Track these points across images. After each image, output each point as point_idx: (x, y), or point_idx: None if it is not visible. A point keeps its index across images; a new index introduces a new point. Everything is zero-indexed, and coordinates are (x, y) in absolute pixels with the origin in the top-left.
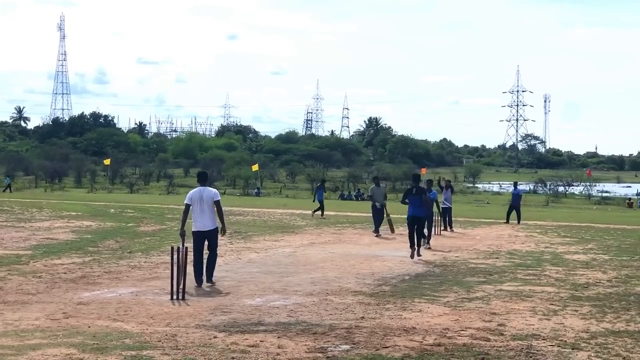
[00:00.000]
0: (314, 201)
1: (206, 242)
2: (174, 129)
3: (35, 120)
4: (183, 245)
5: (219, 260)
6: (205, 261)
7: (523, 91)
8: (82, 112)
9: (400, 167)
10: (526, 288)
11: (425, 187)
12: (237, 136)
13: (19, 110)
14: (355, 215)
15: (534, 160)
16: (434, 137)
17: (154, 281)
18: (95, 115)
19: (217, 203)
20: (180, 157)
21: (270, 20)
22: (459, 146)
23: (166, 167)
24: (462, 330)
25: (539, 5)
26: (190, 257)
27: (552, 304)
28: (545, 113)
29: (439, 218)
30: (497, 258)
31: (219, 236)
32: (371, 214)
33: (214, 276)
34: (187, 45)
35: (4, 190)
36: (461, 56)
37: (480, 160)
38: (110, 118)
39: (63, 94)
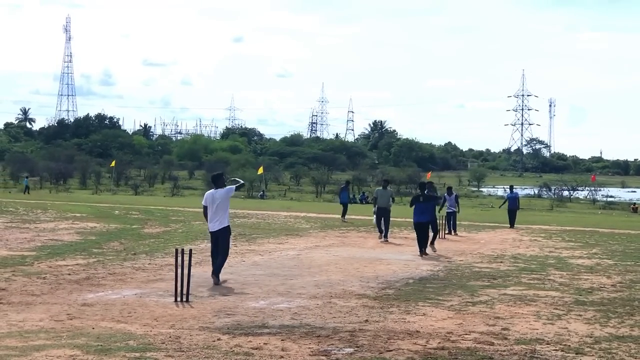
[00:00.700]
0: (341, 203)
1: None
2: (179, 131)
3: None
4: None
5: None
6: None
7: (528, 95)
8: (88, 114)
9: (405, 171)
10: (530, 292)
11: (433, 192)
12: (242, 138)
13: (25, 112)
14: (359, 219)
15: (539, 164)
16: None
17: (158, 283)
18: (101, 117)
19: (239, 186)
20: (185, 159)
21: (275, 22)
22: (464, 150)
23: (171, 169)
24: (466, 334)
25: (544, 9)
26: (194, 259)
27: (556, 309)
28: (550, 117)
29: (444, 222)
30: (501, 262)
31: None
32: (374, 218)
33: (221, 278)
34: (192, 48)
35: (24, 192)
36: (466, 60)
37: (485, 164)
38: (115, 120)
39: (68, 95)
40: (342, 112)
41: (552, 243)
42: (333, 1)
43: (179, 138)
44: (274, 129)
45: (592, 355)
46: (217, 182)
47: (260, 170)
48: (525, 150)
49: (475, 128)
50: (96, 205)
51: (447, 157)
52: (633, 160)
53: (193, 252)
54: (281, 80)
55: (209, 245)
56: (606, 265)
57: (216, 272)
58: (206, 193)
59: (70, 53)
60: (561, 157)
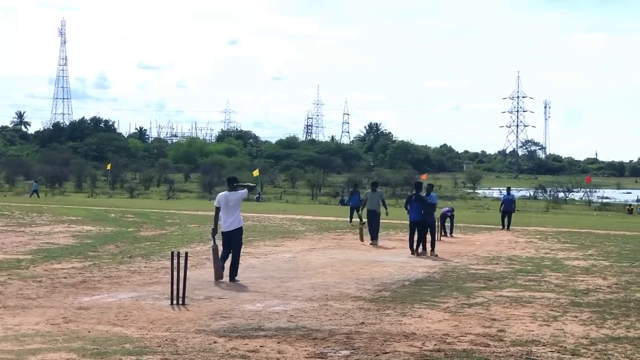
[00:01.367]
0: (352, 207)
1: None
2: (174, 133)
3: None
4: (214, 243)
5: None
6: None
7: (523, 97)
8: (83, 117)
9: (401, 173)
10: (526, 294)
11: (424, 194)
12: (238, 141)
13: (20, 115)
14: (355, 221)
15: (534, 166)
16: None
17: (154, 286)
18: (96, 120)
19: (250, 188)
20: (181, 162)
21: (270, 25)
22: (459, 152)
23: (166, 172)
24: (462, 336)
25: (539, 11)
26: (190, 262)
27: (552, 310)
28: (546, 119)
29: (439, 224)
30: (497, 264)
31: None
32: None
33: (238, 275)
34: (187, 50)
35: (30, 196)
36: (462, 62)
37: (481, 165)
38: (110, 123)
39: (64, 98)
40: (338, 115)
41: (547, 244)
42: (328, 3)
43: (174, 141)
44: (270, 132)
45: (588, 356)
46: (231, 184)
47: (256, 173)
48: (520, 152)
49: (470, 130)
50: (92, 209)
51: (443, 159)
52: (628, 161)
53: (189, 255)
54: (276, 82)
55: (204, 248)
56: (602, 266)
57: (232, 276)
58: (219, 194)
59: (66, 56)
60: (556, 158)
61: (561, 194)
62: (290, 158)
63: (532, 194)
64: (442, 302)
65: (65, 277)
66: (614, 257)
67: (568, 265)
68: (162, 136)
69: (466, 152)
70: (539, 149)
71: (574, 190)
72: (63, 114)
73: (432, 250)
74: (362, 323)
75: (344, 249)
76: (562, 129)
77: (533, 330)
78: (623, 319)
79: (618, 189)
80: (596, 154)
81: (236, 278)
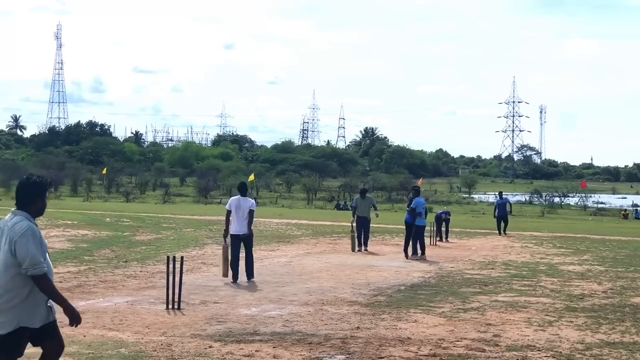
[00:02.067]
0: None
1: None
2: (170, 138)
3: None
4: (227, 245)
5: (214, 270)
6: (238, 261)
7: (519, 102)
8: (79, 121)
9: (396, 177)
10: (521, 299)
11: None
12: (233, 146)
13: (15, 119)
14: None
15: (530, 171)
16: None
17: (150, 290)
18: (92, 124)
19: (250, 212)
20: (177, 166)
21: (266, 29)
22: (455, 156)
23: (162, 176)
24: (458, 340)
25: (535, 16)
26: (186, 266)
27: (548, 315)
28: (541, 124)
29: (434, 228)
30: (492, 269)
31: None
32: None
33: (253, 275)
34: (183, 55)
35: None
36: (457, 67)
37: (476, 170)
38: (106, 127)
39: (59, 102)
40: (334, 119)
41: (543, 249)
42: (324, 8)
43: (170, 145)
44: (265, 136)
45: None
46: (243, 190)
47: (252, 178)
48: (516, 157)
49: (466, 135)
50: (87, 213)
51: (439, 164)
52: (624, 166)
53: (185, 259)
54: (272, 87)
55: (200, 252)
56: (597, 271)
57: (249, 276)
58: (231, 199)
59: (62, 60)
60: (552, 163)
61: (557, 199)
62: (286, 162)
63: (527, 198)
64: (437, 306)
65: (60, 282)
66: (609, 262)
67: (563, 270)
68: (157, 140)
69: (462, 156)
70: (535, 154)
71: (570, 195)
72: (59, 118)
73: (422, 253)
74: (358, 328)
75: (339, 253)
76: (557, 134)
77: (528, 335)
78: (618, 324)
79: (613, 194)
80: (591, 159)
81: (252, 278)
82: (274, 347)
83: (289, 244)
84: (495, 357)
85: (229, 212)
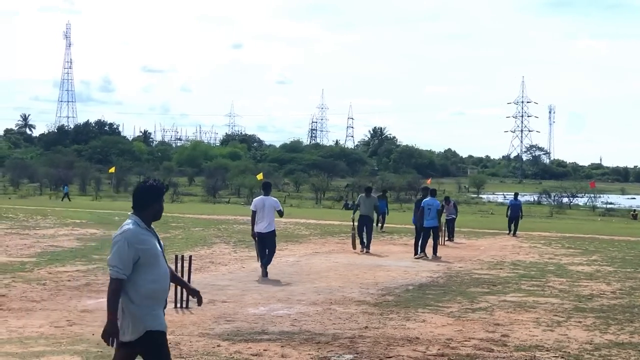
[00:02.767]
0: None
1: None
2: (178, 137)
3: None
4: (257, 244)
5: (222, 269)
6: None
7: (528, 102)
8: (87, 120)
9: (405, 177)
10: (530, 299)
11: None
12: (242, 145)
13: (25, 118)
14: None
15: (539, 171)
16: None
17: None
18: (100, 123)
19: (279, 212)
20: (185, 166)
21: (275, 29)
22: (464, 156)
23: (171, 175)
24: (466, 340)
25: (543, 16)
26: (194, 265)
27: (556, 315)
28: (550, 124)
29: (444, 229)
30: (501, 269)
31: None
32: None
33: (268, 272)
34: (192, 54)
35: (62, 199)
36: (466, 67)
37: (485, 170)
38: (115, 126)
39: (68, 101)
40: (342, 119)
41: (551, 250)
42: (332, 8)
43: (178, 144)
44: (274, 136)
45: None
46: (267, 189)
47: (260, 177)
48: (524, 157)
49: (474, 135)
50: (96, 212)
51: (447, 164)
52: (633, 167)
53: (193, 258)
54: (281, 86)
55: (208, 251)
56: (606, 272)
57: (265, 265)
58: (255, 199)
59: (71, 59)
60: (561, 163)
61: (565, 199)
62: (294, 162)
63: (536, 199)
64: (445, 306)
65: (69, 280)
66: (618, 263)
67: (572, 270)
68: (166, 139)
69: (470, 156)
70: (543, 154)
71: (578, 195)
72: (68, 117)
73: (434, 254)
74: (366, 327)
75: (347, 253)
76: (566, 134)
77: (537, 336)
78: (627, 324)
79: (622, 194)
80: (600, 160)
81: (266, 274)
82: (282, 347)
83: (297, 243)
84: (504, 357)
85: (254, 213)
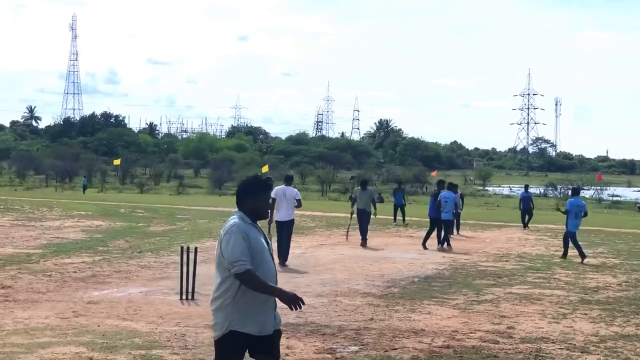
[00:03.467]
0: (396, 205)
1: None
2: (184, 129)
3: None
4: (269, 232)
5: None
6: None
7: (534, 94)
8: (93, 112)
9: (411, 170)
10: (536, 291)
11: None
12: (248, 137)
13: (31, 110)
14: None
15: (545, 163)
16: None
17: (164, 281)
18: (106, 115)
19: (298, 201)
20: (191, 158)
21: (280, 21)
22: (470, 149)
23: (176, 167)
24: (471, 332)
25: (549, 9)
26: (200, 257)
27: (562, 308)
28: (556, 116)
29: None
30: (506, 261)
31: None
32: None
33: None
34: (197, 46)
35: (84, 191)
36: (472, 59)
37: (491, 163)
38: (121, 118)
39: (74, 93)
40: (348, 111)
41: (557, 242)
42: (338, 0)
43: (184, 136)
44: (280, 128)
45: (598, 354)
46: (288, 180)
47: (265, 169)
48: (531, 150)
49: (480, 127)
50: (102, 204)
51: (453, 156)
52: (639, 159)
53: (199, 250)
54: (287, 78)
55: (214, 243)
56: (612, 264)
57: (284, 257)
58: (276, 188)
59: (76, 51)
60: (567, 156)
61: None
62: (300, 154)
63: (542, 191)
64: (451, 298)
65: (75, 272)
66: (624, 255)
67: (578, 262)
68: (172, 132)
69: (476, 149)
70: (550, 147)
71: (585, 188)
72: (74, 109)
73: (442, 244)
74: (371, 319)
75: (353, 245)
76: (572, 126)
77: (542, 328)
78: (633, 316)
79: (629, 187)
80: (607, 152)
81: (285, 263)
82: (287, 338)
83: (303, 235)
84: (509, 349)
85: (274, 200)
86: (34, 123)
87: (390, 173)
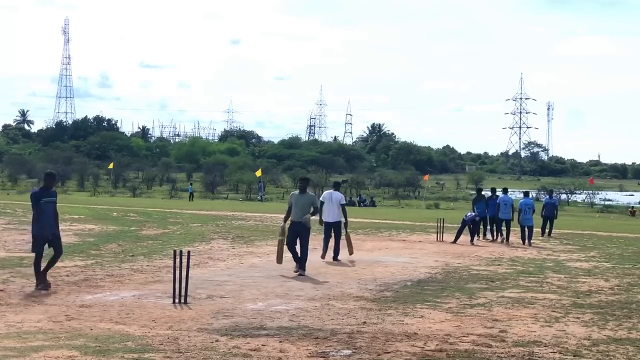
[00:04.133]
0: None
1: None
2: (177, 133)
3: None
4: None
5: (220, 265)
6: (328, 242)
7: (526, 99)
8: (86, 116)
9: (403, 174)
10: (528, 295)
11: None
12: (240, 141)
13: (23, 114)
14: (357, 221)
15: (537, 167)
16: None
17: (156, 284)
18: (99, 119)
19: (342, 206)
20: (183, 162)
21: (273, 25)
22: (462, 153)
23: (169, 171)
24: (464, 336)
25: (542, 13)
26: (192, 261)
27: (554, 311)
28: (549, 121)
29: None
30: (499, 265)
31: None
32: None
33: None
34: (190, 50)
35: (190, 199)
36: (464, 63)
37: (483, 167)
38: (113, 122)
39: (67, 97)
40: (341, 115)
41: (550, 246)
42: (331, 4)
43: (177, 140)
44: (272, 132)
45: (590, 357)
46: (337, 186)
47: (259, 173)
48: (523, 154)
49: (473, 131)
50: (94, 207)
51: (445, 160)
52: (631, 164)
53: (191, 253)
54: (279, 82)
55: (206, 247)
56: (604, 268)
57: (335, 255)
58: (325, 192)
59: (69, 55)
60: (559, 160)
61: (564, 196)
62: (292, 158)
63: (534, 195)
64: (444, 302)
65: (67, 275)
66: (616, 259)
67: (570, 266)
68: (164, 135)
69: (469, 153)
70: (542, 151)
71: (577, 192)
72: (66, 113)
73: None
74: (364, 323)
75: (346, 249)
76: (565, 130)
77: (535, 331)
78: (625, 320)
79: (621, 191)
80: (599, 156)
81: (338, 257)
82: (280, 342)
83: None
84: (502, 353)
85: (322, 203)
86: (26, 127)
87: (382, 177)
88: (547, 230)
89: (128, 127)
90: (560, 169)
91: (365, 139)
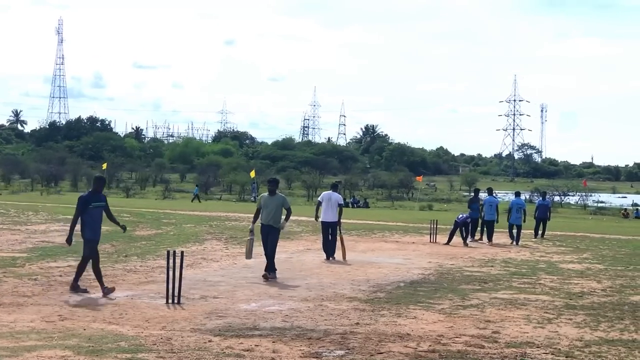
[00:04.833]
0: None
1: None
2: (170, 134)
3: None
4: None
5: (214, 265)
6: (329, 243)
7: (520, 100)
8: (79, 116)
9: (397, 175)
10: (521, 296)
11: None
12: (234, 142)
13: (16, 114)
14: (350, 222)
15: (530, 169)
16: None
17: (150, 285)
18: (92, 120)
19: (340, 206)
20: (177, 162)
21: (267, 26)
22: (456, 154)
23: (162, 172)
24: (457, 337)
25: (536, 15)
26: (186, 261)
27: (547, 313)
28: (542, 123)
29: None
30: (492, 266)
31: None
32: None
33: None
34: (184, 50)
35: (192, 200)
36: (458, 65)
37: (477, 169)
38: (107, 122)
39: (60, 97)
40: (334, 116)
41: (543, 247)
42: (325, 5)
43: (170, 141)
44: (266, 133)
45: (582, 358)
46: (334, 187)
47: (252, 174)
48: (516, 156)
49: (467, 133)
50: None
51: (439, 162)
52: (624, 166)
53: (185, 254)
54: (273, 83)
55: (200, 247)
56: (596, 269)
57: (331, 253)
58: (324, 193)
59: (63, 55)
60: (552, 162)
61: (557, 198)
62: (286, 159)
63: (527, 197)
64: (437, 303)
65: (60, 275)
66: (609, 261)
67: (563, 268)
68: (158, 136)
69: (462, 155)
70: (535, 153)
71: (570, 194)
72: (59, 113)
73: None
74: (357, 323)
75: (338, 250)
76: (558, 132)
77: (527, 332)
78: (617, 321)
79: (614, 193)
80: (592, 158)
81: (332, 257)
82: (273, 342)
83: (289, 240)
84: (494, 354)
85: (319, 203)
86: (19, 127)
87: (376, 178)
88: (540, 232)
89: (121, 127)
90: (554, 170)
91: (359, 140)
